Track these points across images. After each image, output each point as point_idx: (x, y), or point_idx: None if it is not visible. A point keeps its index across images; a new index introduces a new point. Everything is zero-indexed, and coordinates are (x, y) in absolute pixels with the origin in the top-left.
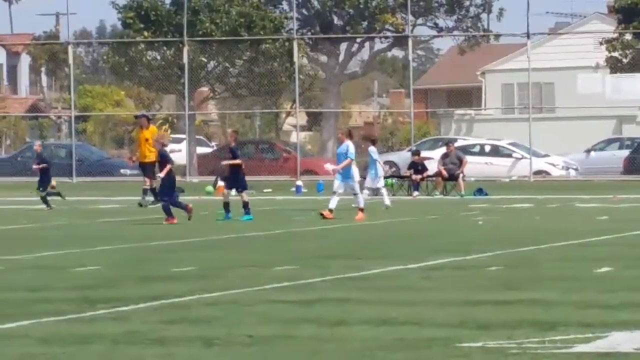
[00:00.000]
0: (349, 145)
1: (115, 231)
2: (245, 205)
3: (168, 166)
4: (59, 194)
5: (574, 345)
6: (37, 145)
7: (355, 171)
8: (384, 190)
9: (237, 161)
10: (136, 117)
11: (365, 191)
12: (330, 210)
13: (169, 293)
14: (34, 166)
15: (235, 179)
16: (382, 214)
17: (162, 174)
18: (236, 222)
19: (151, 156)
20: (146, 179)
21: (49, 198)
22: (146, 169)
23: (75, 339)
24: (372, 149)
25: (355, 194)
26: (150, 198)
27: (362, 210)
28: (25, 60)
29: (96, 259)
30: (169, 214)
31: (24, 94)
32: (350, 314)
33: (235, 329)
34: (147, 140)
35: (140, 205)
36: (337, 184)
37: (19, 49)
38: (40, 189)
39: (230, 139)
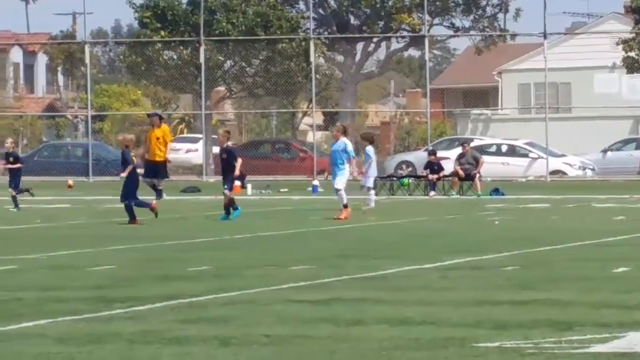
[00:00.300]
0: (347, 143)
1: (131, 231)
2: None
3: (130, 167)
4: (28, 191)
5: (590, 346)
6: (9, 142)
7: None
8: (372, 192)
9: (240, 161)
10: (148, 115)
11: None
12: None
13: (185, 292)
14: (3, 165)
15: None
16: (395, 214)
17: (124, 174)
18: (246, 221)
19: (162, 155)
20: (158, 180)
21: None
22: (158, 168)
23: (92, 339)
24: (370, 149)
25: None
26: (166, 197)
27: (346, 206)
28: (42, 60)
29: (112, 259)
30: (132, 215)
31: (40, 94)
32: (366, 313)
33: (252, 329)
34: (158, 139)
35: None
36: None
37: (35, 48)
38: (12, 187)
39: (223, 139)
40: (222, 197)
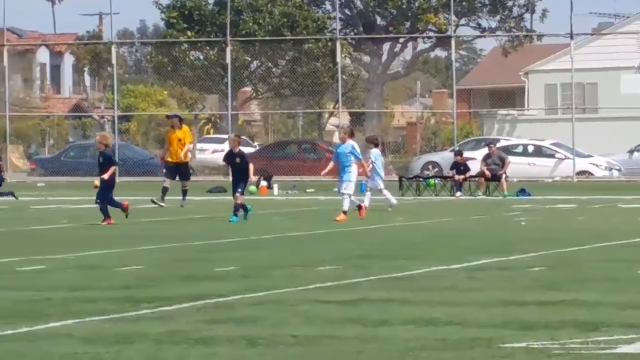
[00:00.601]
0: (355, 145)
1: (158, 231)
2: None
3: (113, 168)
4: (12, 194)
5: (617, 346)
6: None
7: (355, 173)
8: (386, 191)
9: (252, 166)
10: (168, 117)
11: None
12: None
13: (212, 293)
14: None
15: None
16: (421, 215)
17: (105, 176)
18: (273, 222)
19: (185, 156)
20: (183, 181)
21: (1, 199)
22: (181, 169)
23: (119, 339)
24: (375, 152)
25: (344, 195)
26: (187, 198)
27: (345, 212)
28: (68, 60)
29: (139, 259)
30: (106, 214)
31: (67, 94)
32: (393, 314)
33: (279, 329)
34: (179, 140)
35: (181, 206)
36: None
37: (62, 48)
38: None
39: (234, 144)
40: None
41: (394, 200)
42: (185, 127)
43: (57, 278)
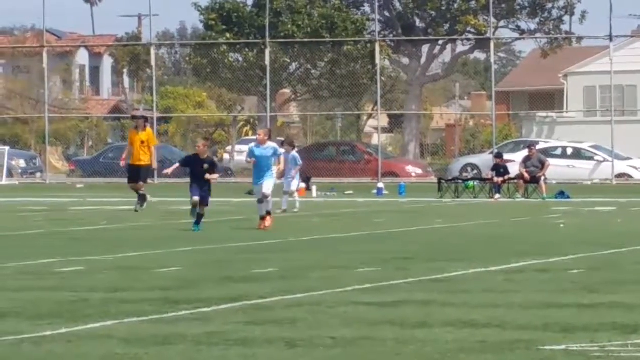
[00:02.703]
0: (276, 146)
1: (197, 232)
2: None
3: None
4: None
5: None
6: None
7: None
8: (296, 195)
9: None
10: (134, 117)
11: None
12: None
13: (251, 294)
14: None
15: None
16: (460, 217)
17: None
18: (311, 223)
19: (145, 159)
20: (140, 183)
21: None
22: (141, 172)
23: (158, 340)
24: (294, 155)
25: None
26: (145, 204)
27: (269, 214)
28: (107, 62)
29: (178, 260)
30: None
31: (106, 96)
32: (432, 316)
33: (317, 331)
34: (142, 142)
35: (136, 210)
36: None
37: (101, 50)
38: None
39: (203, 149)
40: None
41: (296, 207)
42: (149, 130)
43: (96, 279)
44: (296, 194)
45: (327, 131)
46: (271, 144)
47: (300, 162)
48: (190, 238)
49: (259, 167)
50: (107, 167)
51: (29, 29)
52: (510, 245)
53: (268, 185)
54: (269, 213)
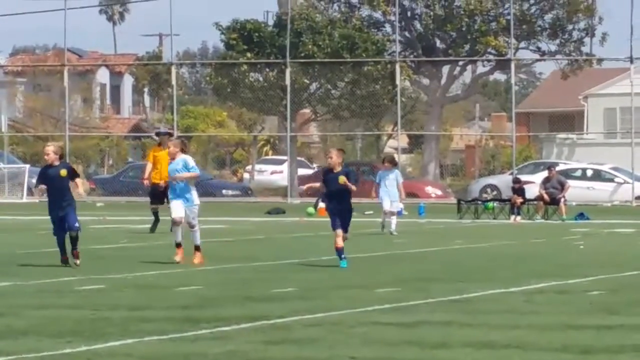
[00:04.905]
0: (188, 159)
1: (216, 251)
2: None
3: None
4: None
5: None
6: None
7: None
8: (394, 218)
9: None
10: (158, 134)
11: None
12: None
13: (271, 313)
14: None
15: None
16: (479, 238)
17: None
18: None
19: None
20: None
21: None
22: (163, 192)
23: (178, 358)
24: (396, 172)
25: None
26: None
27: (198, 248)
28: (128, 81)
29: (198, 279)
30: None
31: (126, 114)
32: (452, 336)
33: (337, 350)
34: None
35: (152, 231)
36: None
37: (122, 69)
38: None
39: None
40: (307, 218)
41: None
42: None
43: (117, 297)
44: (394, 217)
45: (347, 151)
46: (183, 157)
47: (401, 179)
48: (211, 257)
49: (171, 188)
50: (127, 185)
51: (50, 48)
52: (530, 266)
53: (177, 207)
54: (197, 248)
